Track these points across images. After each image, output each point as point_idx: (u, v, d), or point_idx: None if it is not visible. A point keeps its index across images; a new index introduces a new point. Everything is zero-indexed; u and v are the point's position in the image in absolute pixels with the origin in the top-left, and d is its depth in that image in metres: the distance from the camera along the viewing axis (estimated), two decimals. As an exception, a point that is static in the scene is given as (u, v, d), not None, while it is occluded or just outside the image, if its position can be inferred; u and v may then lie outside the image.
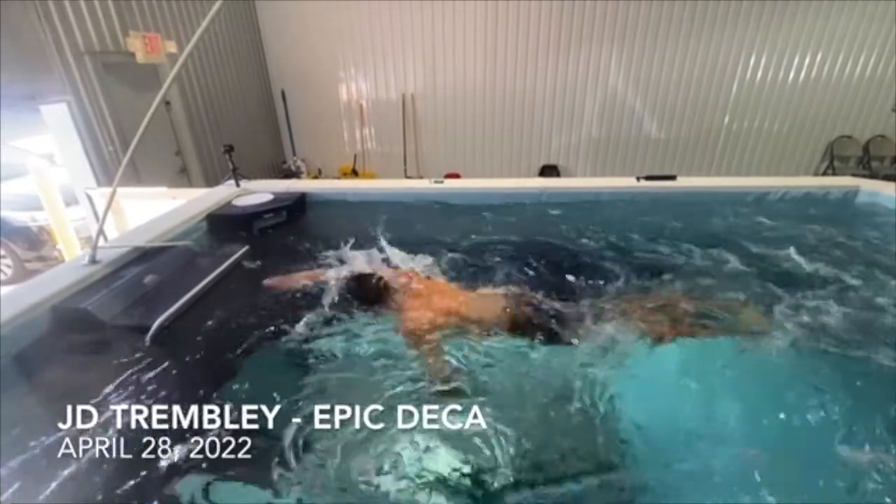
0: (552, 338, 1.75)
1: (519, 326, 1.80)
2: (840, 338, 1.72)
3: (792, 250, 2.39)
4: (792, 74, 5.87)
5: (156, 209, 2.92)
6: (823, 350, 1.67)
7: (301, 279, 2.17)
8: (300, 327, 1.87)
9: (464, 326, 1.83)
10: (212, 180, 4.85)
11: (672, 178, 3.26)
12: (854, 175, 3.56)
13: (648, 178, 3.24)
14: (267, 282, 2.18)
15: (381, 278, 2.04)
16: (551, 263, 2.37)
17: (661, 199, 3.16)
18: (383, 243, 2.51)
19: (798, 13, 5.54)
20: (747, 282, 2.14)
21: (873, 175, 5.70)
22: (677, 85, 6.06)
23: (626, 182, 3.24)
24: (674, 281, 2.16)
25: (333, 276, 2.16)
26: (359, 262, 2.29)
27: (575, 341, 1.73)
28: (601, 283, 2.16)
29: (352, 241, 2.50)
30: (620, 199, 3.18)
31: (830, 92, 5.91)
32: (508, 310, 1.88)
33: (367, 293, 2.00)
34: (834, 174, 6.08)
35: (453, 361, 1.67)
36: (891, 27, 5.48)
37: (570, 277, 2.19)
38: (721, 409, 1.45)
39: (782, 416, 1.39)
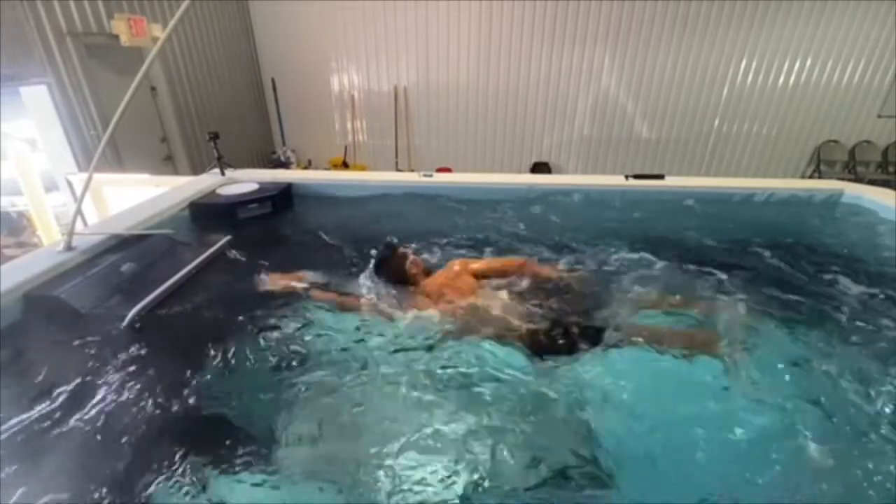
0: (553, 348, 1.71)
1: (536, 343, 1.73)
2: (816, 339, 1.74)
3: (769, 253, 2.41)
4: (781, 79, 5.92)
5: (138, 196, 2.85)
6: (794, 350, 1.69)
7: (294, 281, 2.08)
8: (285, 319, 1.84)
9: (476, 323, 1.81)
10: (198, 168, 4.76)
11: (660, 177, 3.27)
12: (839, 179, 3.60)
13: (637, 176, 3.25)
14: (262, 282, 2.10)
15: (407, 257, 2.08)
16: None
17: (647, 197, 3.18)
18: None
19: (789, 19, 5.58)
20: (720, 284, 2.14)
21: (858, 179, 5.79)
22: (668, 86, 6.08)
23: (615, 180, 3.24)
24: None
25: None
26: None
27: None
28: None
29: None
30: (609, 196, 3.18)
31: (818, 97, 5.97)
32: (521, 317, 1.86)
33: (394, 268, 2.05)
34: (820, 178, 6.15)
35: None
36: (879, 34, 5.55)
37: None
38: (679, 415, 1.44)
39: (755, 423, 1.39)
